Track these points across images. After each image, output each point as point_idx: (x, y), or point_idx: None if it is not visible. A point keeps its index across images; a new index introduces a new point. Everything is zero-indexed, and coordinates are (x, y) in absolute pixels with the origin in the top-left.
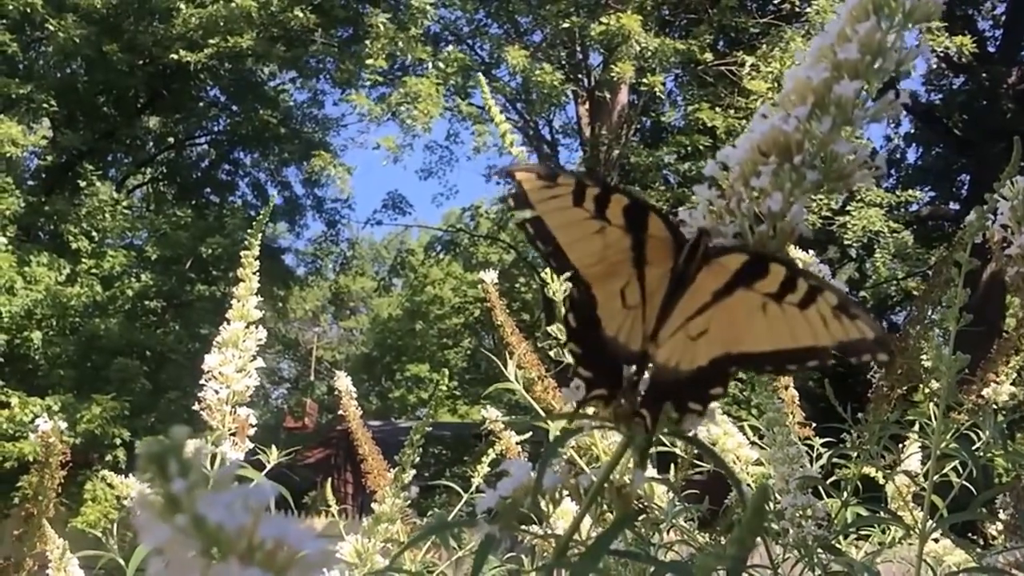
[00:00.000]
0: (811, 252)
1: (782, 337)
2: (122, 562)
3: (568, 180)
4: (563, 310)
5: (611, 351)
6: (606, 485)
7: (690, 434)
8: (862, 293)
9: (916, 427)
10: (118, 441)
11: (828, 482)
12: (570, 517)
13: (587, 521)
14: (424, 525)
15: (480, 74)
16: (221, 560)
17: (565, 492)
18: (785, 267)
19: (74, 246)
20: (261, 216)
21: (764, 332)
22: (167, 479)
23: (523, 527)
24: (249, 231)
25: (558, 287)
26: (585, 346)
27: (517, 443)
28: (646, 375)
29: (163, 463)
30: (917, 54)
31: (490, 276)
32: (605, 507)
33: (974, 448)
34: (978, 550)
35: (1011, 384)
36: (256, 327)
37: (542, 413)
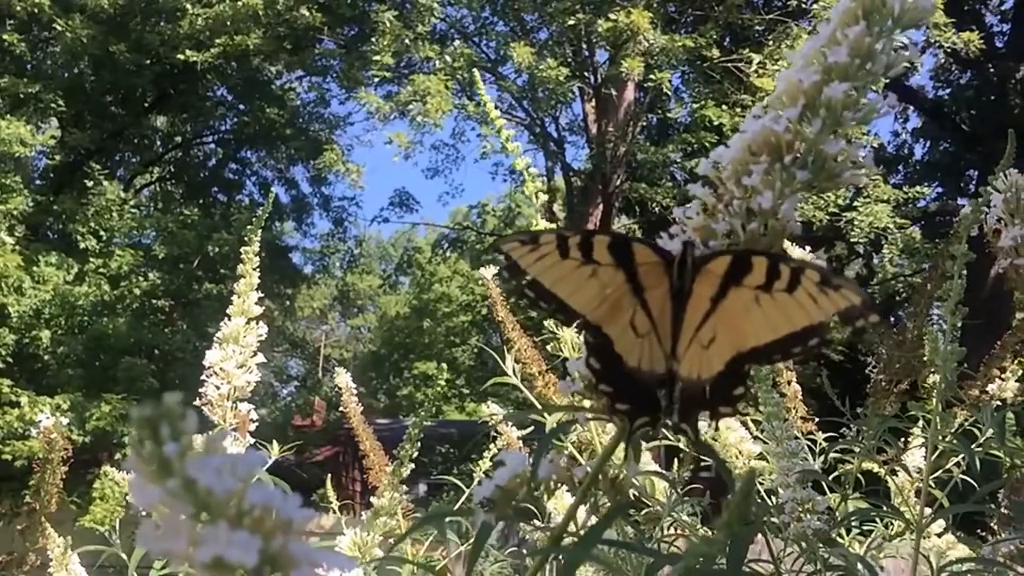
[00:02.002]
0: (807, 248)
1: (780, 324)
2: (124, 556)
3: (550, 237)
4: (585, 356)
5: (640, 380)
6: (600, 476)
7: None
8: (870, 289)
9: (920, 422)
10: (127, 440)
11: (831, 477)
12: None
13: (588, 514)
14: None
15: (475, 69)
16: (210, 523)
17: (562, 484)
18: (766, 257)
19: (82, 245)
20: (262, 211)
21: (763, 324)
22: (159, 442)
23: (524, 521)
24: (249, 226)
25: None
26: (614, 383)
27: (519, 438)
28: (676, 391)
29: (155, 426)
30: (906, 58)
31: (491, 272)
32: (605, 500)
33: (977, 443)
34: (983, 544)
35: (1016, 380)
36: (257, 323)
37: (540, 407)
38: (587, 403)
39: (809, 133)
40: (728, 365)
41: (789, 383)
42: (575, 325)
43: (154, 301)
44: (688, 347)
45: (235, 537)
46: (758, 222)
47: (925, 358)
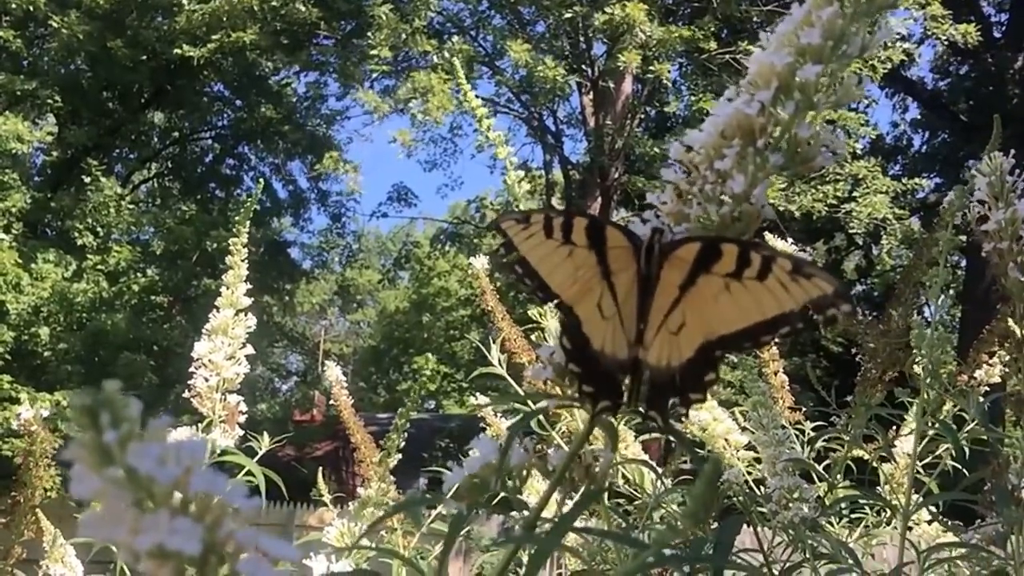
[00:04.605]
0: (791, 240)
1: (751, 312)
2: (114, 548)
3: (538, 217)
4: (559, 335)
5: (603, 364)
6: (574, 463)
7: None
8: (868, 281)
9: (913, 409)
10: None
11: (821, 466)
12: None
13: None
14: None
15: (455, 59)
16: (152, 511)
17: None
18: (736, 245)
19: (80, 242)
20: (250, 201)
21: (733, 311)
22: (98, 430)
23: (513, 514)
24: (237, 217)
25: None
26: (582, 364)
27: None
28: (644, 377)
29: (95, 414)
30: (881, 39)
31: (480, 262)
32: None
33: (965, 430)
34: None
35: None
36: (246, 314)
37: (518, 396)
38: (557, 390)
39: (783, 116)
40: (698, 351)
41: (776, 373)
42: (553, 305)
43: (152, 297)
44: (657, 333)
45: (177, 524)
46: (731, 207)
47: (912, 346)
